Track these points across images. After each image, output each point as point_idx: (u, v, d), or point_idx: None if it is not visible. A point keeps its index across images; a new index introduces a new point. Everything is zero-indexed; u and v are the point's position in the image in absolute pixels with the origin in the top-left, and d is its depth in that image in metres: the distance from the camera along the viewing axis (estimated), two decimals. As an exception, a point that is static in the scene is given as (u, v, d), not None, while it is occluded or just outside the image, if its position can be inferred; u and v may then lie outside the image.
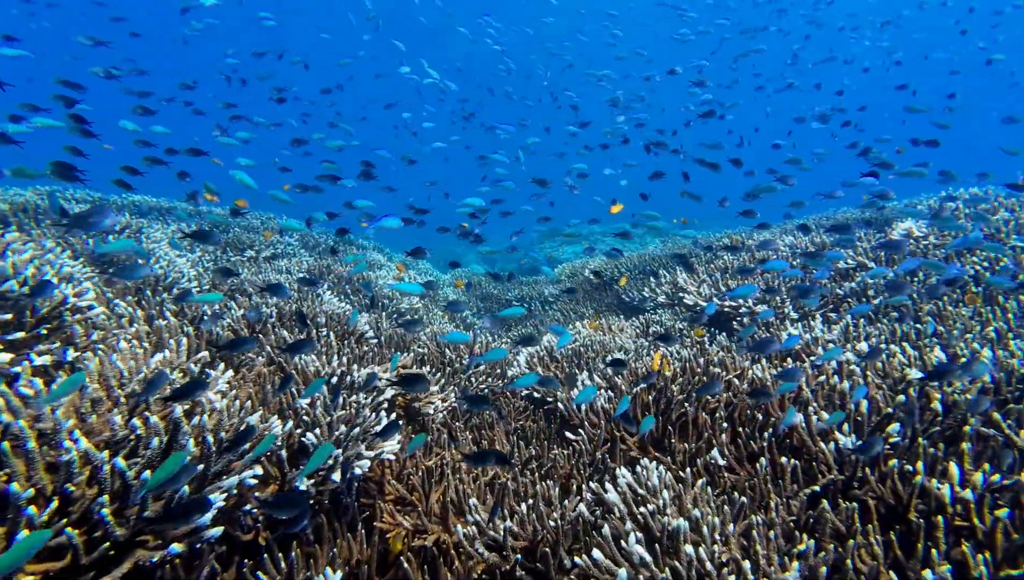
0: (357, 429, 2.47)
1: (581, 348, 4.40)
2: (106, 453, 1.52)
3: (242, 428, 2.05)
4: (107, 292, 3.24)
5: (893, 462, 1.93)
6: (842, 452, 2.15)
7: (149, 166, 3.81)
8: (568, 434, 3.14)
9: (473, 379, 4.01)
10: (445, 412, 3.44)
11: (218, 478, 1.82)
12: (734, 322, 4.89)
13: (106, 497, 1.44)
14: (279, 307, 3.67)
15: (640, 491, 2.17)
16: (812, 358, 3.34)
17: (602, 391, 3.37)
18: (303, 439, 2.35)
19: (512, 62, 17.00)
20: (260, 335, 3.31)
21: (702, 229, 11.49)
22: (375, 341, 4.02)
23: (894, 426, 2.14)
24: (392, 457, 2.59)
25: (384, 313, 5.38)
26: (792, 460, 2.21)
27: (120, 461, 1.49)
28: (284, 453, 2.22)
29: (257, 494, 2.07)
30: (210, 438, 1.71)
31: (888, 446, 2.13)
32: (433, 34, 30.78)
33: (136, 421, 1.66)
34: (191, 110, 6.12)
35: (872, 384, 2.56)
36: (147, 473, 1.47)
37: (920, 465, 1.88)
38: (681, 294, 5.44)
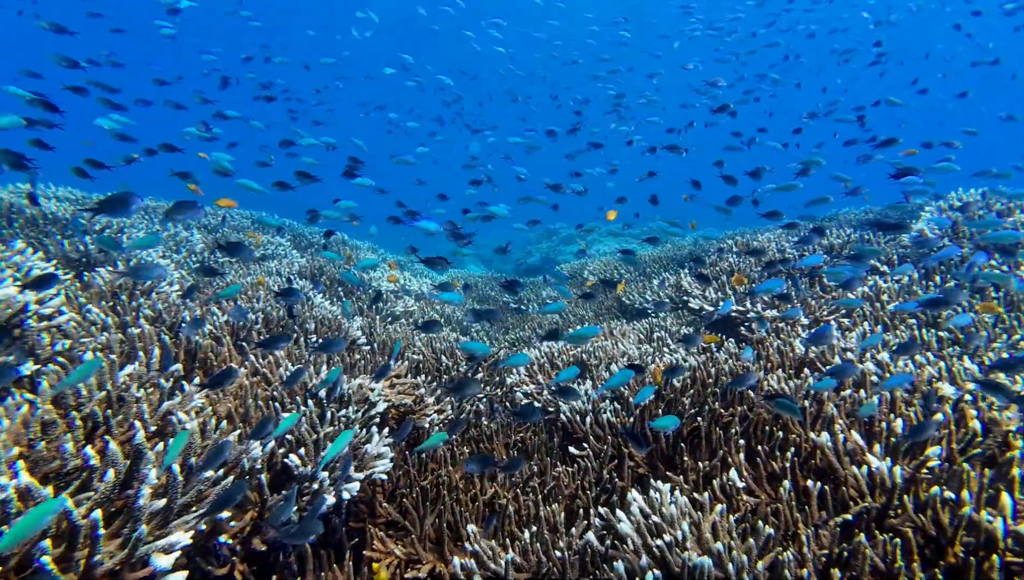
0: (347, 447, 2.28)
1: (583, 354, 4.22)
2: (50, 488, 1.32)
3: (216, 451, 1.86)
4: (80, 296, 3.04)
5: (935, 489, 1.75)
6: (874, 475, 1.97)
7: (122, 163, 3.62)
8: (572, 448, 2.95)
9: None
10: (441, 424, 3.25)
11: (187, 510, 1.62)
12: (741, 327, 4.71)
13: (48, 542, 1.24)
14: (265, 312, 3.47)
15: (654, 518, 1.99)
16: (828, 367, 3.16)
17: (606, 402, 3.18)
18: (286, 460, 2.15)
19: (515, 65, 16.84)
20: (243, 343, 3.11)
21: (702, 230, 11.33)
22: (367, 348, 3.83)
23: (934, 449, 1.96)
24: (384, 477, 2.39)
25: (378, 317, 5.19)
26: (818, 483, 2.03)
27: (66, 498, 1.29)
28: (264, 476, 2.03)
29: (233, 523, 1.87)
30: (176, 466, 1.51)
31: (926, 471, 1.95)
32: (435, 36, 30.52)
33: (90, 450, 1.46)
34: (172, 105, 5.93)
35: (901, 399, 2.38)
36: (98, 513, 1.27)
37: (966, 494, 1.71)
38: (686, 298, 5.26)
